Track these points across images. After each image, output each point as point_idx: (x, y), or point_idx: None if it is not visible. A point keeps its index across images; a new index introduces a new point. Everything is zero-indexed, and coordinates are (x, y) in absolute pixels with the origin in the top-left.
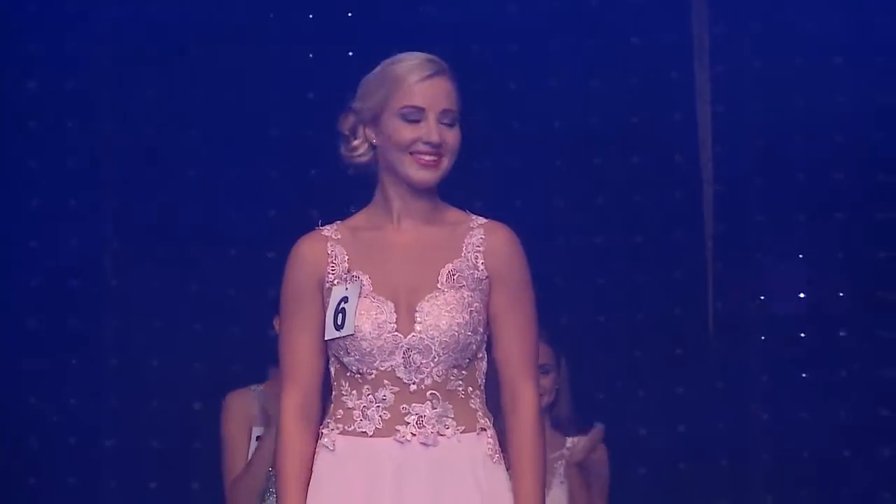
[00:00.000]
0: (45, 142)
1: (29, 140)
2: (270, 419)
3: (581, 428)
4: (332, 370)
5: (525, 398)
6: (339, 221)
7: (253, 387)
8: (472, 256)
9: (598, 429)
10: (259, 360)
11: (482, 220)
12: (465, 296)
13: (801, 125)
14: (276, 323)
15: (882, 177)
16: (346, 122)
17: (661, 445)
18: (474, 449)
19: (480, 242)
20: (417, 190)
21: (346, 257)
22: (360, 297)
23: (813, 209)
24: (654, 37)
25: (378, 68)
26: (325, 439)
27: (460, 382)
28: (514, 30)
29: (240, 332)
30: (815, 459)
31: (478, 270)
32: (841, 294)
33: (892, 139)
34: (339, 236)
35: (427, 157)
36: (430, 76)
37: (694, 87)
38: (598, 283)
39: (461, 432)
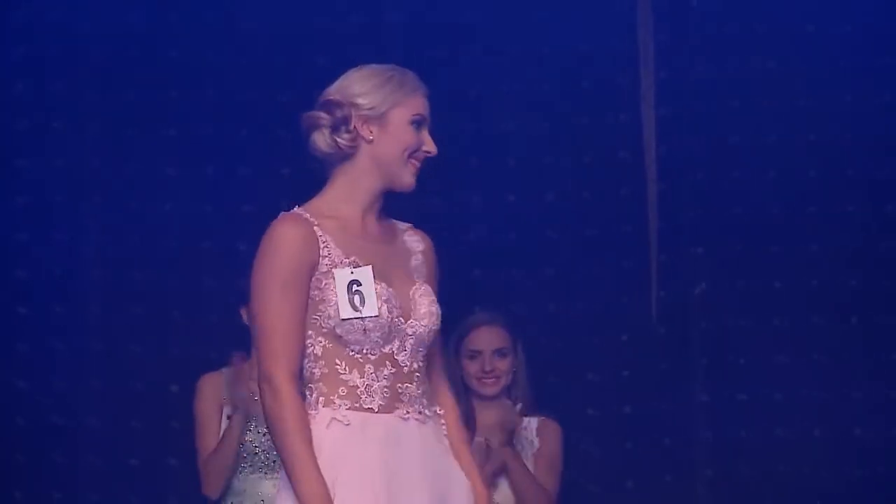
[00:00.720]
0: (33, 142)
1: (18, 140)
2: (235, 401)
3: (537, 410)
4: (317, 350)
5: (447, 386)
6: (298, 207)
7: (224, 370)
8: (417, 256)
9: (509, 404)
10: (232, 345)
11: (406, 224)
12: (431, 289)
13: (737, 127)
14: (243, 312)
15: (814, 173)
16: (339, 112)
17: (609, 425)
18: (438, 427)
19: (417, 244)
20: (390, 192)
21: (334, 242)
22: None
23: (750, 204)
24: (602, 45)
25: (378, 70)
26: (337, 414)
27: (424, 366)
28: (471, 38)
29: (215, 319)
30: (753, 438)
31: (423, 269)
32: (776, 284)
33: (825, 137)
34: (317, 221)
35: (419, 165)
36: (426, 93)
37: (639, 91)
38: (549, 273)
39: (433, 412)
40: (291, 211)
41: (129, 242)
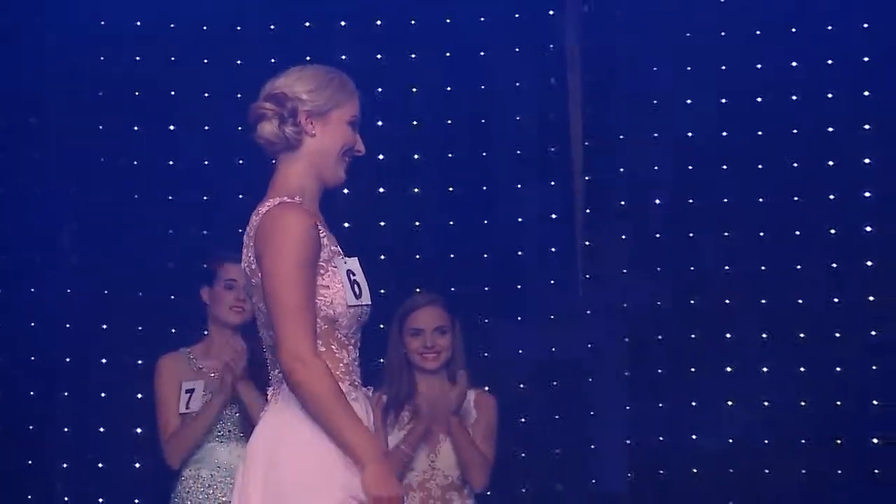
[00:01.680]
0: (9, 137)
1: None
2: (202, 374)
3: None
4: (316, 329)
5: None
6: (286, 198)
7: (182, 349)
8: None
9: (462, 374)
10: (192, 324)
11: None
12: None
13: (656, 124)
14: (203, 293)
15: (727, 166)
16: (287, 105)
17: (540, 398)
18: None
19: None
20: (321, 186)
21: (325, 232)
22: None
23: (669, 195)
24: (536, 49)
25: (321, 72)
26: (344, 389)
27: None
28: (410, 44)
29: (177, 300)
30: (669, 407)
31: None
32: (692, 267)
33: (736, 135)
34: (311, 211)
35: (350, 162)
36: (360, 98)
37: (567, 91)
38: (485, 258)
39: None
40: (293, 202)
41: (100, 229)
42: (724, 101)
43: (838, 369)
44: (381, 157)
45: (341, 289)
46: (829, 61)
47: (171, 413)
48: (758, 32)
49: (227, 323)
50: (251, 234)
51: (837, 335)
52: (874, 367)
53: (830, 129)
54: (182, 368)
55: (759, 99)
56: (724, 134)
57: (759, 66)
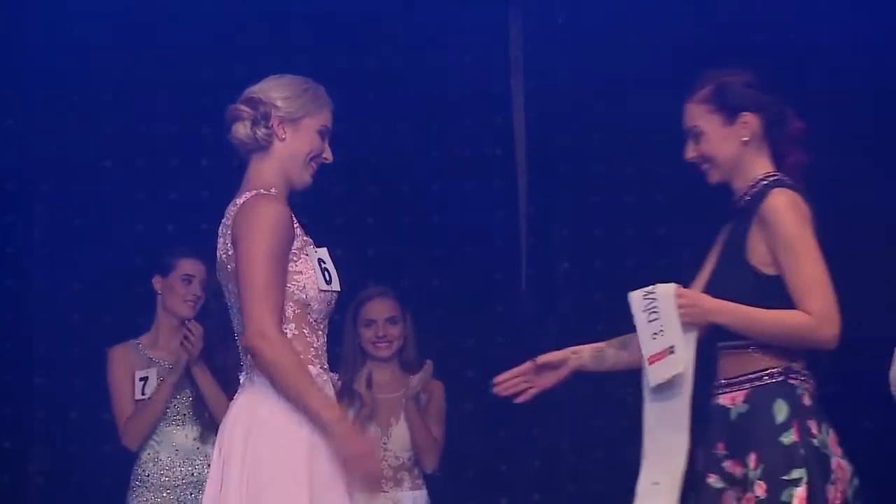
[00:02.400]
0: None
1: None
2: (152, 362)
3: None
4: (286, 314)
5: None
6: (262, 190)
7: (130, 340)
8: None
9: (428, 364)
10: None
11: None
12: None
13: (598, 126)
14: (155, 282)
15: (665, 169)
16: (261, 109)
17: (486, 384)
18: None
19: None
20: (289, 185)
21: (297, 222)
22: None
23: (607, 194)
24: (480, 57)
25: (298, 81)
26: (316, 371)
27: None
28: (367, 50)
29: (142, 291)
30: (603, 395)
31: None
32: (629, 263)
33: (676, 136)
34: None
35: (316, 168)
36: (332, 108)
37: (511, 97)
38: (435, 253)
39: None
40: (269, 193)
41: (71, 224)
42: (664, 103)
43: None
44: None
45: (313, 274)
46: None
47: (124, 400)
48: (702, 38)
49: (178, 314)
50: (228, 224)
51: None
52: None
53: None
54: (132, 358)
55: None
56: (663, 135)
57: (696, 71)
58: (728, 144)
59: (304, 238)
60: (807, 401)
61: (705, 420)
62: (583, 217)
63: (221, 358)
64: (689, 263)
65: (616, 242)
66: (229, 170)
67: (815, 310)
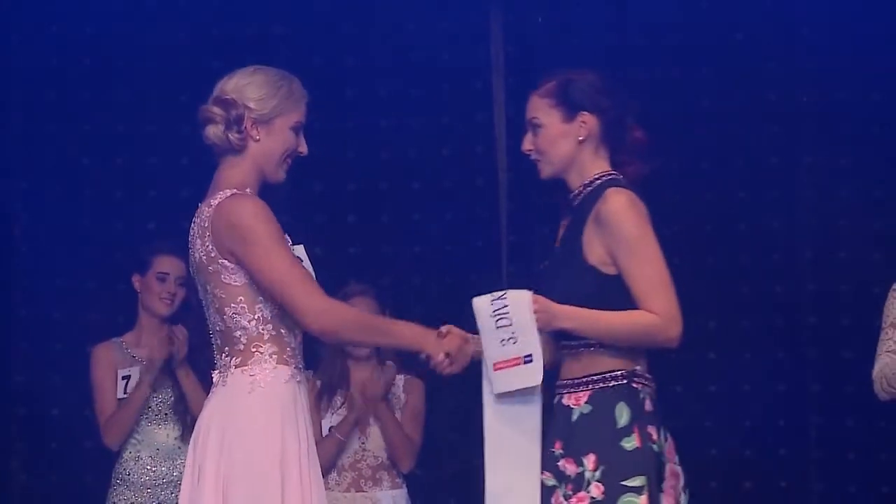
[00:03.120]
0: None
1: None
2: (135, 361)
3: (402, 369)
4: (265, 314)
5: None
6: (237, 190)
7: (114, 338)
8: None
9: (388, 366)
10: (137, 312)
11: None
12: None
13: None
14: (135, 280)
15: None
16: (231, 112)
17: (466, 382)
18: None
19: None
20: (262, 182)
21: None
22: None
23: None
24: (461, 56)
25: (269, 77)
26: (291, 371)
27: None
28: (347, 49)
29: (123, 288)
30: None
31: None
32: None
33: (656, 137)
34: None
35: (291, 163)
36: (307, 101)
37: (492, 95)
38: (415, 251)
39: None
40: (244, 192)
41: (51, 222)
42: (645, 102)
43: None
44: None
45: None
46: (740, 68)
47: (106, 398)
48: (683, 38)
49: (154, 313)
50: (205, 226)
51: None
52: None
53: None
54: (116, 356)
55: (672, 104)
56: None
57: (678, 72)
58: (564, 141)
59: (285, 236)
60: (648, 406)
61: (546, 419)
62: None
63: (204, 357)
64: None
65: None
66: (209, 168)
67: (660, 310)
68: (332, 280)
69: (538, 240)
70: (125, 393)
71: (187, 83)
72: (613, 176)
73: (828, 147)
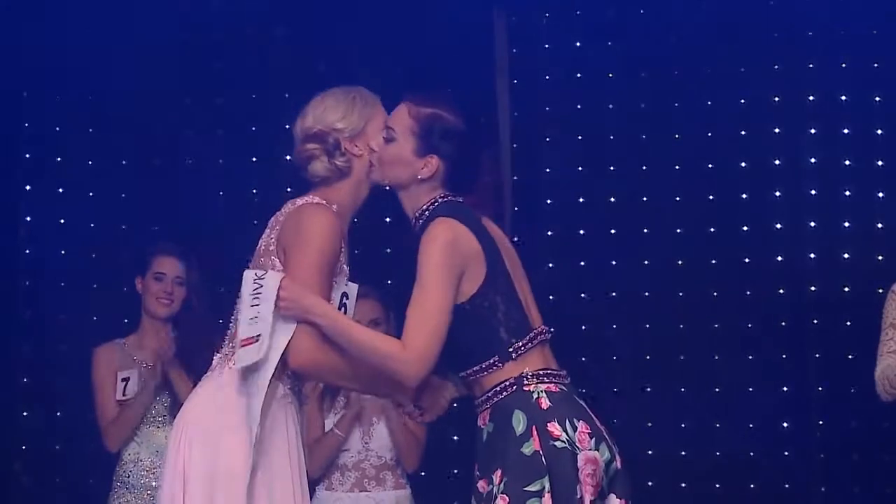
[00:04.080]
0: None
1: None
2: (136, 363)
3: None
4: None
5: None
6: (324, 201)
7: (116, 340)
8: None
9: None
10: (140, 314)
11: None
12: None
13: (580, 127)
14: (138, 282)
15: (647, 166)
16: (329, 139)
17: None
18: None
19: None
20: (356, 206)
21: (344, 244)
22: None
23: (591, 193)
24: (466, 58)
25: (342, 95)
26: (284, 390)
27: None
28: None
29: (127, 290)
30: (591, 394)
31: None
32: (612, 261)
33: (656, 135)
34: (340, 222)
35: None
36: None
37: (496, 96)
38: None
39: None
40: (328, 206)
41: (56, 224)
42: (643, 105)
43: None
44: None
45: (333, 304)
46: (742, 69)
47: (107, 400)
48: (686, 39)
49: (153, 314)
50: (280, 219)
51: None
52: None
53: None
54: (117, 358)
55: (675, 104)
56: (644, 137)
57: (675, 72)
58: (406, 170)
59: (344, 266)
60: (544, 403)
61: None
62: (567, 217)
63: (203, 358)
64: (673, 266)
65: (601, 242)
66: (214, 169)
67: (409, 343)
68: None
69: (542, 241)
70: (124, 395)
71: (191, 85)
72: (446, 200)
73: (832, 148)
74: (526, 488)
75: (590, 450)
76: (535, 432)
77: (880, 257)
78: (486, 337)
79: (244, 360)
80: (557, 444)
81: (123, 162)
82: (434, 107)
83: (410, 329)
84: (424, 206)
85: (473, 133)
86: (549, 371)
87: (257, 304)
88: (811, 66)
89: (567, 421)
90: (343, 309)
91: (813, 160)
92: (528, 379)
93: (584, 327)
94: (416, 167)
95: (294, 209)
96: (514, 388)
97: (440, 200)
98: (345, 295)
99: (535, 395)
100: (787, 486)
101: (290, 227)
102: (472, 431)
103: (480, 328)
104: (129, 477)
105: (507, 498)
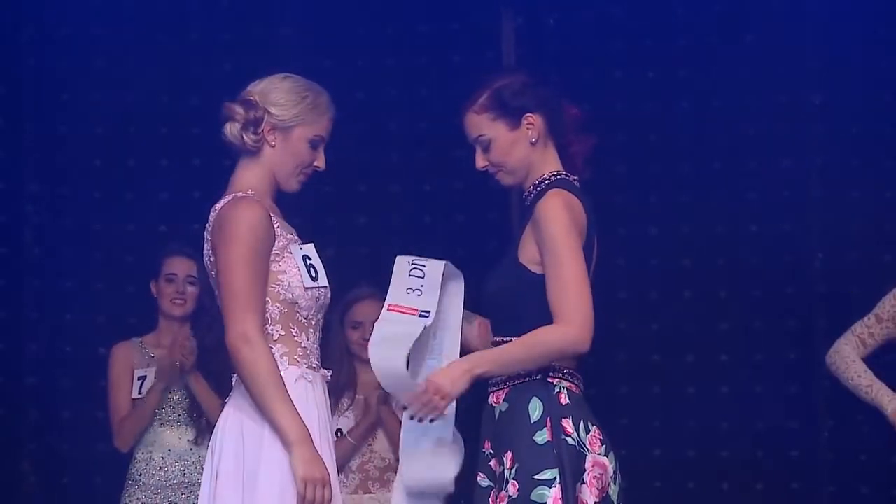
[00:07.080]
0: None
1: None
2: (153, 361)
3: None
4: (273, 314)
5: None
6: (239, 193)
7: (134, 338)
8: None
9: None
10: (147, 313)
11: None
12: None
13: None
14: (153, 285)
15: (657, 167)
16: (251, 113)
17: (475, 384)
18: None
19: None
20: (275, 186)
21: (278, 222)
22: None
23: (598, 193)
24: (472, 57)
25: (296, 86)
26: (302, 372)
27: None
28: (360, 53)
29: (133, 290)
30: (597, 392)
31: None
32: (618, 260)
33: (663, 136)
34: (265, 205)
35: (307, 177)
36: (332, 116)
37: None
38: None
39: None
40: (246, 195)
41: (62, 224)
42: (655, 104)
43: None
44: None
45: (297, 273)
46: (750, 69)
47: (121, 398)
48: (692, 39)
49: (168, 315)
50: (209, 230)
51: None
52: None
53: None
54: (134, 356)
55: (683, 104)
56: (654, 135)
57: (682, 72)
58: (518, 148)
59: (288, 236)
60: (563, 399)
61: (478, 420)
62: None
63: (219, 358)
64: (675, 266)
65: (607, 243)
66: (221, 169)
67: (566, 315)
68: (343, 282)
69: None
70: (139, 393)
71: (198, 86)
72: (560, 177)
73: (839, 148)
74: (536, 476)
75: (599, 454)
76: (549, 423)
77: (888, 258)
78: (546, 315)
79: (398, 330)
80: (568, 440)
81: (130, 162)
82: (482, 89)
83: (562, 299)
84: (543, 177)
85: (529, 72)
86: (573, 371)
87: (419, 277)
88: (820, 65)
89: (581, 422)
90: (311, 269)
91: (820, 160)
92: (554, 371)
93: None
94: (522, 136)
95: (216, 214)
96: (539, 375)
97: (554, 176)
98: (306, 258)
99: (556, 389)
100: (794, 486)
101: (214, 231)
102: (472, 432)
103: (546, 304)
104: (140, 476)
105: (517, 484)
